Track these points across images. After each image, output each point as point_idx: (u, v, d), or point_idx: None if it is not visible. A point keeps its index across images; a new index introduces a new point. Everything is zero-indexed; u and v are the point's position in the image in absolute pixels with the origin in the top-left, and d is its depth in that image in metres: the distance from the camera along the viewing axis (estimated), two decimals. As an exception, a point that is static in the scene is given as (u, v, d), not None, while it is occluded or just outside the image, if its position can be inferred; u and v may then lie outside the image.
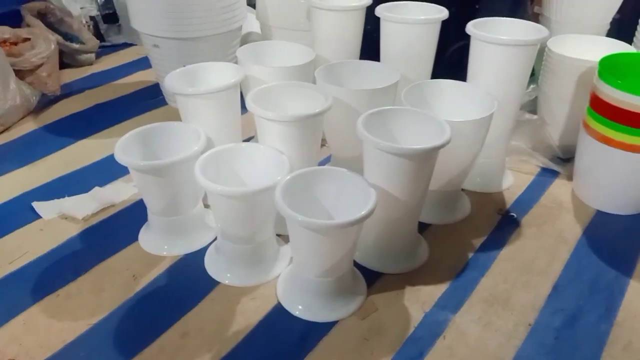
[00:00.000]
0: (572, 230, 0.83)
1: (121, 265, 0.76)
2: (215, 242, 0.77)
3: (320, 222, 0.60)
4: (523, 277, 0.75)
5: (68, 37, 1.39)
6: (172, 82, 0.81)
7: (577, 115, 0.97)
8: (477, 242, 0.81)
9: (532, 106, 1.10)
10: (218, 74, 0.87)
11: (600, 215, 0.87)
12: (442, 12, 0.92)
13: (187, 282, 0.73)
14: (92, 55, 1.40)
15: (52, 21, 1.42)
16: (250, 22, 1.29)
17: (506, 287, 0.73)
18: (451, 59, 1.07)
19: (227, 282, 0.73)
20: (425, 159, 0.68)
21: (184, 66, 0.87)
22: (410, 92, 0.82)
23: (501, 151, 0.93)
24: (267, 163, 0.73)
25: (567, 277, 0.75)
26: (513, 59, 0.82)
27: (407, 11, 0.95)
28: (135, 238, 0.81)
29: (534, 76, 1.15)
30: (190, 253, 0.78)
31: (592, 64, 0.92)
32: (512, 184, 0.94)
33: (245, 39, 1.28)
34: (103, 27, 1.52)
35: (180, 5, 1.04)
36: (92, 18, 1.51)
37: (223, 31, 1.09)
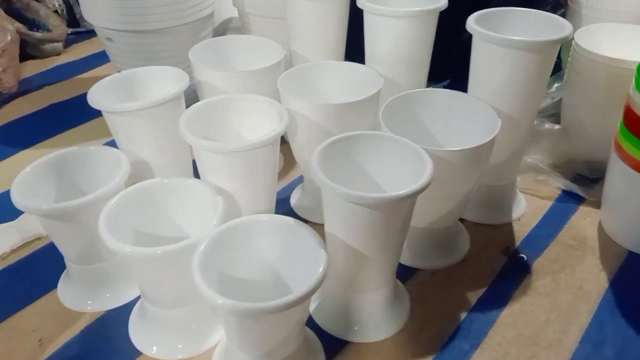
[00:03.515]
0: (597, 281, 0.66)
1: (29, 323, 0.62)
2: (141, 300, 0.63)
3: (245, 307, 0.45)
4: (528, 352, 0.58)
5: (35, 24, 1.25)
6: (96, 96, 0.66)
7: (610, 126, 0.78)
8: (474, 296, 0.65)
9: (555, 108, 0.91)
10: (160, 82, 0.72)
11: (633, 259, 0.69)
12: (440, 1, 0.74)
13: (103, 352, 0.59)
14: (60, 45, 1.25)
15: (18, 7, 1.27)
16: (230, 6, 1.13)
17: (504, 367, 0.57)
18: (456, 57, 0.89)
19: (153, 353, 0.58)
20: (397, 208, 0.52)
21: (119, 72, 0.72)
22: (392, 107, 0.66)
23: (512, 173, 0.75)
24: (199, 205, 0.58)
25: (586, 351, 0.58)
26: (525, 65, 0.64)
27: (396, 0, 0.78)
28: (57, 283, 0.67)
29: (560, 71, 0.96)
30: (116, 309, 0.64)
31: (630, 65, 0.73)
32: (525, 213, 0.77)
33: (224, 27, 1.12)
34: (78, 11, 1.37)
35: (132, -8, 0.88)
36: (65, 1, 1.36)
37: (188, 21, 0.93)
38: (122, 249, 0.50)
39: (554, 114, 0.91)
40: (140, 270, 0.54)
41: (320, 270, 0.47)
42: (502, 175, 0.74)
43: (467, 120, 0.67)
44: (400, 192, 0.49)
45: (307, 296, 0.46)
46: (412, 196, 0.50)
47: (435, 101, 0.68)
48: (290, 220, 0.53)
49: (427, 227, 0.67)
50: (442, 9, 0.73)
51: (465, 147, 0.58)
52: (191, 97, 0.78)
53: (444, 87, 1.11)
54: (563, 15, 1.00)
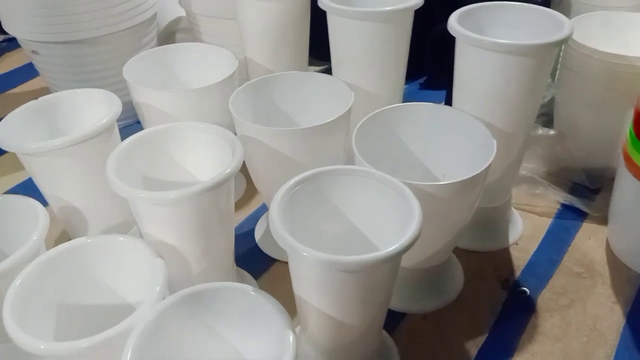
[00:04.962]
0: (611, 317, 0.57)
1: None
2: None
3: None
4: (542, 418, 0.49)
5: (-43, 32, 1.11)
6: (6, 133, 0.54)
7: (609, 130, 0.70)
8: (474, 346, 0.55)
9: (546, 107, 0.82)
10: (88, 109, 0.60)
11: (649, 286, 0.61)
12: (416, -3, 0.63)
13: None
14: (-12, 55, 1.12)
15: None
16: (177, 4, 1.00)
17: None
18: (431, 50, 0.79)
19: None
20: (380, 269, 0.42)
21: (36, 99, 0.60)
22: (365, 128, 0.55)
23: (506, 192, 0.66)
24: (137, 270, 0.47)
25: (610, 412, 0.49)
26: (518, 71, 0.54)
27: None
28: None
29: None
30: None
31: (633, 61, 0.64)
32: (522, 235, 0.67)
33: (172, 29, 0.99)
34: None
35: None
36: (-7, 4, 1.21)
37: (125, 27, 0.81)
38: (34, 347, 0.39)
39: (544, 113, 0.82)
40: None
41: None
42: (495, 196, 0.64)
43: (454, 135, 0.57)
44: (382, 254, 0.39)
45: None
46: (399, 255, 0.40)
47: (416, 117, 0.58)
48: (249, 289, 0.42)
49: (414, 267, 0.57)
50: (417, 7, 0.62)
51: (456, 180, 0.48)
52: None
53: (420, 84, 1.01)
54: (547, 4, 0.91)
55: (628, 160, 0.59)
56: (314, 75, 0.64)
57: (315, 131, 0.55)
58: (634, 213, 0.61)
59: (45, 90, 0.98)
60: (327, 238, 0.48)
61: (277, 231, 0.41)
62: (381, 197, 0.47)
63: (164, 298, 0.43)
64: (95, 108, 0.59)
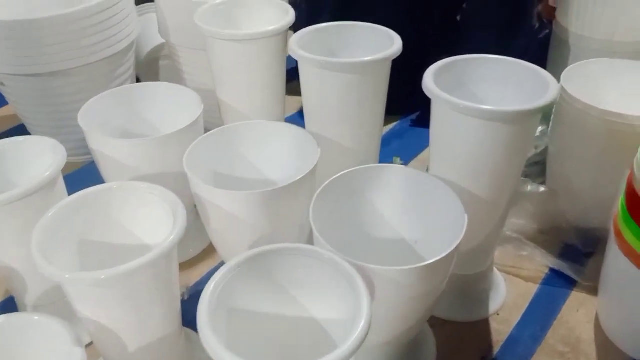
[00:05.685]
0: (595, 408, 0.52)
1: None
2: None
3: None
4: None
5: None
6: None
7: (604, 190, 0.65)
8: None
9: (541, 156, 0.77)
10: (32, 159, 0.56)
11: (640, 372, 0.55)
12: (393, 46, 0.58)
13: None
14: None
15: None
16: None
17: None
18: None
19: None
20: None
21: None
22: (328, 191, 0.50)
23: (486, 259, 0.60)
24: (55, 352, 0.42)
25: None
26: (496, 138, 0.49)
27: (341, 41, 0.62)
28: None
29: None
30: None
31: (632, 120, 0.59)
32: (505, 303, 0.62)
33: (155, 56, 0.95)
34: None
35: (22, 30, 0.71)
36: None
37: (97, 59, 0.77)
38: None
39: (538, 162, 0.77)
40: None
41: None
42: (475, 263, 0.59)
43: (426, 202, 0.53)
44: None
45: None
46: (339, 363, 0.35)
47: (385, 180, 0.53)
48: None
49: (384, 342, 0.52)
50: (395, 57, 0.57)
51: (417, 265, 0.43)
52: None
53: (412, 121, 0.96)
54: (547, 39, 0.86)
55: (619, 235, 0.53)
56: (282, 126, 0.59)
57: (274, 195, 0.50)
58: (626, 288, 0.55)
59: (10, 119, 0.95)
60: (272, 327, 0.44)
61: (205, 337, 0.36)
62: (330, 280, 0.42)
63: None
64: (43, 157, 0.55)
